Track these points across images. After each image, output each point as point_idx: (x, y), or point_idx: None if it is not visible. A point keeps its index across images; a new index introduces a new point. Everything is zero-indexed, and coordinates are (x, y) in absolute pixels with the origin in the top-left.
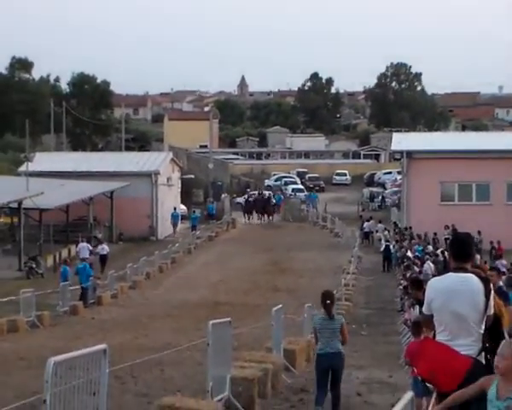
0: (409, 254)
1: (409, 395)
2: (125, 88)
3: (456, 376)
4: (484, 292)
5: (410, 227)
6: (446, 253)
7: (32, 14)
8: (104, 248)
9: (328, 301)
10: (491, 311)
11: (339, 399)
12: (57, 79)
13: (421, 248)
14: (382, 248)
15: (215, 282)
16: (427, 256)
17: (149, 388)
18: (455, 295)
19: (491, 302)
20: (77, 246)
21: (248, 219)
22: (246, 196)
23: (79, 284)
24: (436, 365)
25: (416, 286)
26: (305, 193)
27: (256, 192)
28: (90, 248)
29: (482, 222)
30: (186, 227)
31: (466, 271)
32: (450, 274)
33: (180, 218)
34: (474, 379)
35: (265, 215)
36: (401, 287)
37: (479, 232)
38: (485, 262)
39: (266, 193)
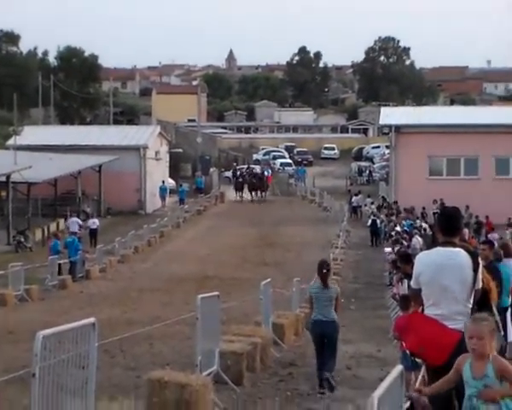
0: (397, 228)
1: (398, 368)
2: (113, 61)
3: (444, 350)
4: (472, 266)
5: (396, 202)
6: (433, 227)
7: None
8: (95, 223)
9: (325, 271)
10: (480, 285)
11: (332, 364)
12: (45, 53)
13: (409, 222)
14: (369, 223)
15: (204, 256)
16: (416, 230)
17: (138, 362)
18: (443, 270)
19: (480, 276)
20: (65, 220)
21: (241, 196)
22: (233, 171)
23: (68, 257)
24: (425, 339)
25: (405, 260)
26: (294, 167)
27: (244, 166)
28: (80, 222)
29: (470, 196)
30: (174, 201)
31: (454, 245)
32: (439, 249)
33: (168, 191)
34: (462, 353)
35: (258, 191)
36: (389, 260)
37: (467, 207)
38: (473, 237)
39: (256, 167)
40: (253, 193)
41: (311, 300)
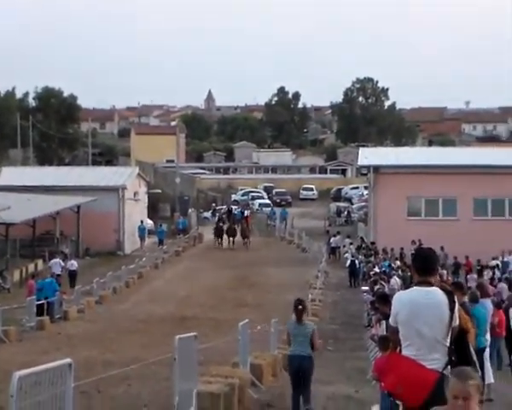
0: (376, 269)
1: (375, 409)
2: (92, 102)
3: (422, 390)
4: (448, 305)
5: (374, 242)
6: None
7: None
8: (73, 264)
9: (300, 307)
10: (457, 322)
11: (309, 400)
12: (26, 95)
13: (387, 263)
14: (348, 264)
15: (182, 297)
16: (394, 271)
17: (115, 403)
18: (419, 309)
19: (456, 314)
20: (44, 261)
21: (220, 242)
22: (212, 212)
23: (45, 298)
24: (402, 379)
25: (383, 301)
26: (273, 208)
27: (223, 207)
28: (62, 264)
29: (449, 237)
30: (153, 242)
31: (430, 284)
32: (415, 288)
33: (147, 232)
34: (440, 393)
35: (242, 237)
36: (367, 300)
37: (441, 248)
38: (449, 277)
39: (235, 208)
40: (233, 239)
41: (289, 335)
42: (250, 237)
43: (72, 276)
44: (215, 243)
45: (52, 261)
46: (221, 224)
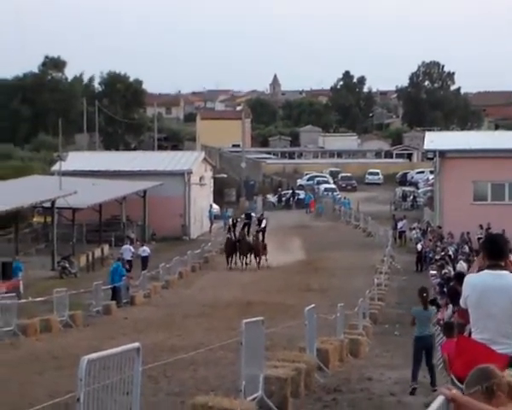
0: (442, 253)
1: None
2: (158, 87)
3: None
4: None
5: (440, 226)
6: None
7: (63, 14)
8: (145, 251)
9: (425, 294)
10: None
11: (433, 370)
12: (91, 79)
13: (454, 247)
14: (419, 248)
15: (247, 281)
16: (461, 256)
17: (182, 387)
18: (490, 292)
19: None
20: (110, 246)
21: (233, 263)
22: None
23: (112, 283)
24: (472, 363)
25: (459, 280)
26: (337, 194)
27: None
28: (133, 250)
29: None
30: (219, 227)
31: (501, 268)
32: (486, 271)
33: (213, 216)
34: None
35: (254, 255)
36: (434, 284)
37: (503, 231)
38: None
39: (253, 214)
40: (246, 259)
41: (414, 319)
42: (266, 254)
43: (144, 262)
44: (228, 266)
45: (123, 247)
46: (233, 236)
